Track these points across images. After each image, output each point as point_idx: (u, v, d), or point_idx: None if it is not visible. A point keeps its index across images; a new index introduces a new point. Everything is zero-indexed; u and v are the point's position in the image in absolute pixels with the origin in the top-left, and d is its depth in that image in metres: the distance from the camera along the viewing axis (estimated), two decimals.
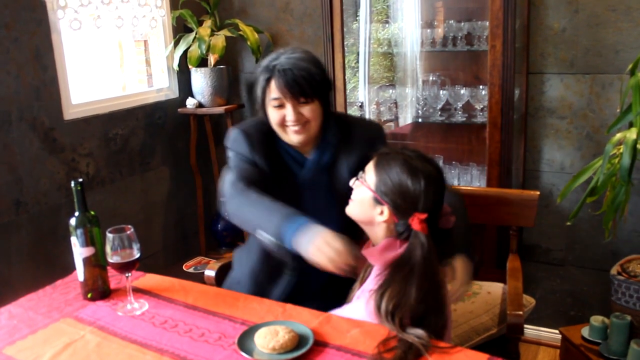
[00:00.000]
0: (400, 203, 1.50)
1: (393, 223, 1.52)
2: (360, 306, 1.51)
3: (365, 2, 3.05)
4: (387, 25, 3.12)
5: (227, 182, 1.76)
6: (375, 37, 3.12)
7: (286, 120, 1.72)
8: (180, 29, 3.29)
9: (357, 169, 1.66)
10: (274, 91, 1.71)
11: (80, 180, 1.58)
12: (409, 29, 2.96)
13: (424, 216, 1.46)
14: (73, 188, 1.58)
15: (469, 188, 2.39)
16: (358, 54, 3.11)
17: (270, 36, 3.29)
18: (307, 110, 1.72)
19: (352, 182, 1.60)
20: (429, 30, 2.84)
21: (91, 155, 2.83)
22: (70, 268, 1.76)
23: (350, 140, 1.84)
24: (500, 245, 2.59)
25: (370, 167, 1.57)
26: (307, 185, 1.82)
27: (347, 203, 1.67)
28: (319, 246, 1.48)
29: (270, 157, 1.81)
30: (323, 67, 1.78)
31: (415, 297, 1.39)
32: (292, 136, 1.76)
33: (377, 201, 1.52)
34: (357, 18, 3.09)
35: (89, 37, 3.05)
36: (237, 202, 1.71)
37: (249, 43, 3.12)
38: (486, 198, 2.20)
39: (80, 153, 2.77)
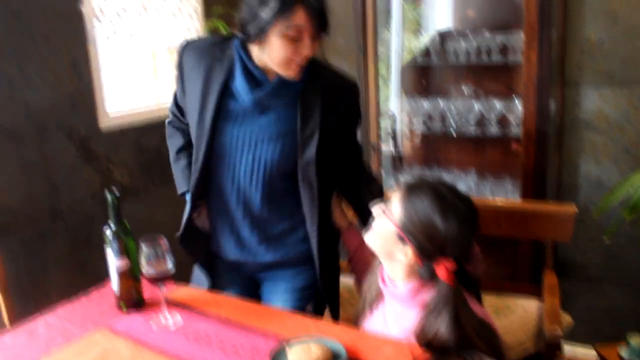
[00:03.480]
0: (426, 245, 1.36)
1: (416, 265, 1.40)
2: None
3: (396, 11, 3.04)
4: (419, 35, 3.11)
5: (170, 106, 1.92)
6: (408, 47, 3.10)
7: (299, 53, 1.55)
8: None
9: (316, 116, 1.64)
10: (298, 20, 1.50)
11: (116, 192, 1.59)
12: (442, 40, 2.94)
13: (451, 265, 1.33)
14: (109, 200, 1.59)
15: (503, 201, 2.35)
16: (390, 63, 3.10)
17: None
18: (315, 44, 1.59)
19: (376, 212, 1.49)
20: (462, 41, 2.82)
21: (125, 164, 2.86)
22: (103, 276, 1.78)
23: (320, 82, 1.70)
24: (535, 260, 2.55)
25: (396, 199, 1.44)
26: (254, 106, 1.68)
27: (287, 141, 1.65)
28: None
29: (213, 69, 1.70)
30: None
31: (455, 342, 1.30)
32: (291, 72, 1.61)
33: (401, 239, 1.40)
34: (389, 27, 3.07)
35: (123, 46, 3.09)
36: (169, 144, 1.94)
37: None
38: (521, 212, 2.17)
39: (115, 162, 2.80)
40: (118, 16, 2.77)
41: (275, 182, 1.71)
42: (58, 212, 2.58)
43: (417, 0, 3.14)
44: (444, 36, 2.90)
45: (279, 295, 1.83)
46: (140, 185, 2.96)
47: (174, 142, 1.93)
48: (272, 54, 1.57)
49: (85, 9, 2.60)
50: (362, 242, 1.81)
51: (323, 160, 1.69)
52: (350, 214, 1.89)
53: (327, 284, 1.81)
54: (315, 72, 1.70)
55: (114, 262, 1.63)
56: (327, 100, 1.68)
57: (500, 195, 2.76)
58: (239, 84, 1.66)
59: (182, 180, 1.87)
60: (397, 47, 3.10)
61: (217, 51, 1.72)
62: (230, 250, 1.82)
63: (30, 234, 2.49)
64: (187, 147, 1.88)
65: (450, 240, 1.35)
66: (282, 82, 1.65)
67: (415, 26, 3.20)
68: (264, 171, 1.69)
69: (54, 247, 2.57)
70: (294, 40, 1.53)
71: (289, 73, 1.60)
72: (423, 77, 3.15)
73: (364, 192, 1.82)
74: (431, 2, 3.13)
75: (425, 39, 3.07)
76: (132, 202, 2.92)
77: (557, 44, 2.61)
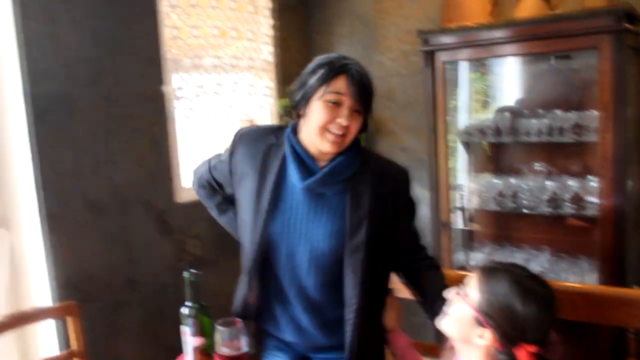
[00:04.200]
0: (506, 329, 1.34)
1: (495, 349, 1.38)
2: None
3: (464, 83, 3.06)
4: (486, 106, 3.12)
5: (202, 171, 1.97)
6: (476, 118, 3.11)
7: (335, 121, 1.60)
8: (288, 115, 3.41)
9: (365, 204, 1.67)
10: (338, 85, 1.59)
11: (195, 271, 1.64)
12: (512, 117, 2.92)
13: (533, 349, 1.32)
14: (187, 279, 1.65)
15: (581, 285, 2.28)
16: (457, 136, 3.08)
17: (374, 123, 3.35)
18: (355, 121, 1.63)
19: (450, 295, 1.48)
20: (533, 119, 2.79)
21: (199, 237, 2.94)
22: (174, 345, 1.83)
23: (370, 170, 1.73)
24: (616, 346, 2.44)
25: (472, 282, 1.43)
26: (305, 193, 1.71)
27: (337, 227, 1.66)
28: None
29: (269, 158, 1.75)
30: None
31: None
32: (326, 144, 1.64)
33: (479, 322, 1.38)
34: (455, 97, 3.07)
35: (199, 123, 3.23)
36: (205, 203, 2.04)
37: None
38: (601, 296, 2.09)
39: (189, 235, 2.89)
40: (196, 96, 2.91)
41: (330, 268, 1.72)
42: (134, 283, 2.67)
43: (482, 68, 3.16)
44: (513, 113, 2.89)
45: None
46: (213, 257, 3.02)
47: (212, 199, 2.01)
48: (312, 119, 1.63)
49: (166, 90, 2.75)
50: (410, 345, 1.80)
51: (373, 248, 1.70)
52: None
53: None
54: (366, 161, 1.74)
55: (190, 340, 1.67)
56: (377, 188, 1.71)
57: (576, 275, 2.67)
58: (291, 171, 1.71)
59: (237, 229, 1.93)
60: (465, 119, 3.11)
61: (272, 137, 1.79)
62: (286, 333, 1.82)
63: (107, 302, 2.58)
64: (225, 201, 1.98)
65: (531, 324, 1.33)
66: (332, 170, 1.69)
67: (483, 96, 3.21)
68: (320, 258, 1.71)
69: (129, 316, 2.65)
70: (332, 106, 1.60)
71: (325, 144, 1.64)
72: (493, 153, 3.14)
73: (427, 280, 1.81)
74: (499, 72, 3.15)
75: (492, 109, 3.07)
76: (204, 273, 2.97)
77: (633, 122, 2.57)
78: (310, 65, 1.67)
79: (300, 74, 1.69)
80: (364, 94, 1.62)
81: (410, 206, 1.84)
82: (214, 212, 2.04)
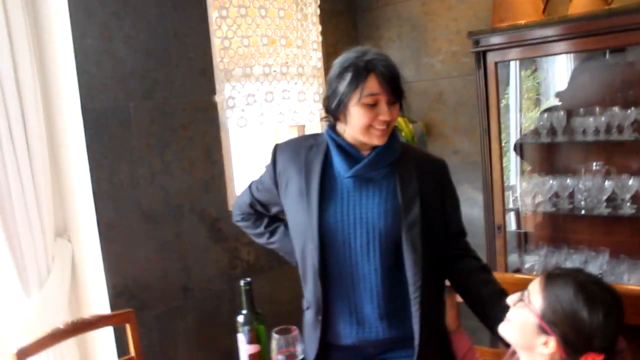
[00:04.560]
0: (572, 337, 1.31)
1: (559, 358, 1.34)
2: None
3: (514, 81, 2.99)
4: (538, 104, 3.04)
5: (242, 200, 2.03)
6: (527, 117, 3.04)
7: (378, 119, 1.65)
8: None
9: (414, 182, 1.72)
10: (371, 87, 1.63)
11: (249, 280, 1.67)
12: (567, 115, 2.84)
13: (600, 358, 1.28)
14: (242, 288, 1.67)
15: None
16: (509, 135, 3.02)
17: (424, 126, 3.33)
18: (394, 110, 1.68)
19: (513, 302, 1.44)
20: (589, 117, 2.71)
21: (252, 244, 2.95)
22: (228, 353, 1.85)
23: (411, 156, 1.81)
24: None
25: (535, 288, 1.39)
26: (354, 181, 1.74)
27: (390, 206, 1.68)
28: None
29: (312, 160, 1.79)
30: None
31: None
32: (375, 138, 1.69)
33: (543, 330, 1.35)
34: (506, 96, 3.01)
35: (251, 131, 3.26)
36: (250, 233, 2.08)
37: (403, 134, 3.17)
38: None
39: (242, 242, 2.92)
40: (247, 104, 2.94)
41: (389, 249, 1.72)
42: (188, 290, 2.71)
43: (534, 65, 3.09)
44: (568, 111, 2.81)
45: None
46: (265, 264, 3.05)
47: (259, 224, 2.03)
48: (354, 122, 1.67)
49: (218, 100, 2.80)
50: (472, 348, 1.77)
51: (427, 227, 1.71)
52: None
53: None
54: (406, 151, 1.81)
55: (245, 348, 1.69)
56: (421, 173, 1.76)
57: (638, 277, 2.58)
58: (337, 163, 1.75)
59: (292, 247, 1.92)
60: (516, 118, 3.04)
61: (310, 140, 1.86)
62: (349, 333, 1.78)
63: (162, 309, 2.63)
64: (273, 221, 2.01)
65: (597, 331, 1.29)
66: (376, 155, 1.73)
67: (534, 94, 3.14)
68: (377, 239, 1.71)
69: (184, 322, 2.69)
70: (371, 107, 1.64)
71: (373, 139, 1.69)
72: (547, 153, 3.06)
73: (481, 283, 1.78)
74: (550, 68, 3.07)
75: (544, 107, 2.99)
76: (257, 279, 2.99)
77: None
78: (334, 70, 1.70)
79: (328, 81, 1.72)
80: (396, 86, 1.66)
81: (452, 194, 1.87)
82: (265, 239, 2.05)
